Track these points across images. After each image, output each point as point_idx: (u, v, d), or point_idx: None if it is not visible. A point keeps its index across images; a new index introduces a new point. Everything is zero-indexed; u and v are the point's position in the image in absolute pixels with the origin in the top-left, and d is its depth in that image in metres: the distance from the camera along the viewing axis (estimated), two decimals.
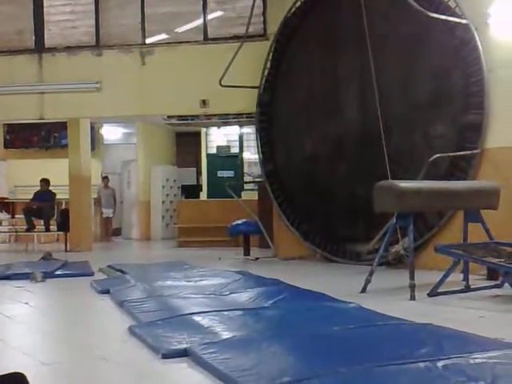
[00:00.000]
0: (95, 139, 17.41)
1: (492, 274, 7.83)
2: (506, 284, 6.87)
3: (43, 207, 14.72)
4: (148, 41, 13.21)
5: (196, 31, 13.02)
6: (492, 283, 7.54)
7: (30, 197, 15.17)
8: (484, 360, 3.97)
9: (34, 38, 13.74)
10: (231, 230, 12.36)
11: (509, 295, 6.68)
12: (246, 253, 12.10)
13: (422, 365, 3.88)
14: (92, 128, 15.66)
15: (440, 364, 3.86)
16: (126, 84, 13.07)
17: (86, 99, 13.21)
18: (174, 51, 12.95)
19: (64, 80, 13.27)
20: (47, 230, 15.10)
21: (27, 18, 13.76)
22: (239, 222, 12.26)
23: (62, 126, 15.84)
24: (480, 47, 9.00)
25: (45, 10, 13.72)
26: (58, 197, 15.48)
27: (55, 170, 16.16)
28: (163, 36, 13.36)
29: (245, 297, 6.80)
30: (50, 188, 15.25)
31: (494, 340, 4.71)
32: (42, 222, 15.04)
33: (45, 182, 15.12)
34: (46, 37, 13.68)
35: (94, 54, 13.36)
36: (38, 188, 15.18)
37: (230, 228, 12.30)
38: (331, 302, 6.48)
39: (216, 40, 12.75)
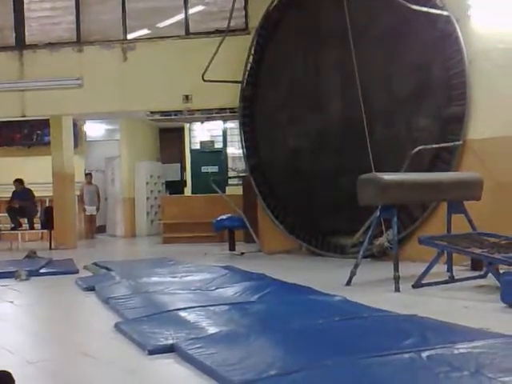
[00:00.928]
0: (78, 136, 17.26)
1: (476, 264, 7.88)
2: (490, 274, 6.92)
3: (26, 206, 14.63)
4: (129, 36, 13.15)
5: (177, 26, 12.98)
6: (476, 274, 7.59)
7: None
8: (468, 350, 4.01)
9: (14, 34, 13.61)
10: (216, 225, 12.33)
11: (493, 285, 6.71)
12: (232, 248, 12.10)
13: (406, 356, 3.91)
14: (75, 125, 15.58)
15: (425, 354, 3.90)
16: (108, 80, 13.00)
17: (67, 96, 13.12)
18: (156, 46, 12.89)
19: (45, 77, 13.16)
20: (31, 228, 15.02)
21: (7, 15, 13.63)
22: (224, 217, 12.22)
23: (44, 124, 15.75)
24: (461, 39, 9.05)
25: (25, 6, 13.62)
26: (42, 194, 15.39)
27: (38, 168, 16.07)
28: (145, 31, 13.29)
29: (231, 292, 6.81)
30: (36, 186, 15.15)
31: (478, 330, 4.75)
32: (25, 220, 14.96)
33: (19, 182, 14.98)
34: (26, 33, 13.57)
35: (76, 50, 13.26)
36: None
37: (215, 223, 12.26)
38: (317, 295, 6.50)
39: (198, 34, 12.72)
